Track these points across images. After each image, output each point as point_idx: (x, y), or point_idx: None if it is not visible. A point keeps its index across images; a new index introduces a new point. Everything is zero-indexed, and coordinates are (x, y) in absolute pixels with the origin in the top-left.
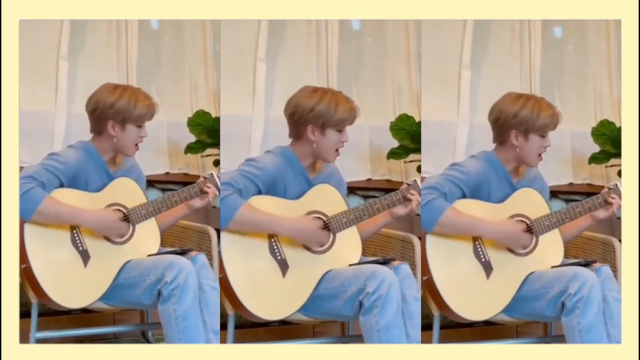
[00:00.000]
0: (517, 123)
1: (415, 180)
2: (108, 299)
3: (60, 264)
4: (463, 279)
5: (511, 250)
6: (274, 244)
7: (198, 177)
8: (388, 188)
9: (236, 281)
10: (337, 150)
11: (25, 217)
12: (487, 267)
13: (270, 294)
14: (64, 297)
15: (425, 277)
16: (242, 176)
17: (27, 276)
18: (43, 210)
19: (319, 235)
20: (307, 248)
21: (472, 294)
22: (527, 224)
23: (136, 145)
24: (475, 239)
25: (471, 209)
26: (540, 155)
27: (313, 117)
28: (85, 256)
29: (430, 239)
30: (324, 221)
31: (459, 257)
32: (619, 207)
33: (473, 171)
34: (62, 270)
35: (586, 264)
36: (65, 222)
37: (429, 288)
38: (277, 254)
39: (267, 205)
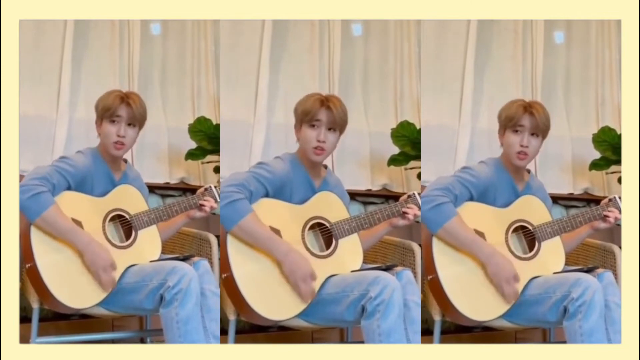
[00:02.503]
0: (500, 122)
1: (414, 194)
2: (109, 304)
3: (65, 264)
4: (468, 280)
5: (514, 254)
6: None
7: (197, 186)
8: (388, 195)
9: (241, 281)
10: (315, 148)
11: (29, 218)
12: None
13: (275, 295)
14: (67, 297)
15: (431, 277)
16: (254, 178)
17: (32, 275)
18: (46, 217)
19: (306, 277)
20: (311, 253)
21: (476, 294)
22: (530, 230)
23: (116, 143)
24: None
25: (477, 212)
26: (520, 154)
27: (295, 114)
28: None
29: (436, 239)
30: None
31: (464, 258)
32: (616, 219)
33: (482, 176)
34: (66, 271)
35: (588, 271)
36: (62, 237)
37: (434, 288)
38: None
39: (274, 208)
